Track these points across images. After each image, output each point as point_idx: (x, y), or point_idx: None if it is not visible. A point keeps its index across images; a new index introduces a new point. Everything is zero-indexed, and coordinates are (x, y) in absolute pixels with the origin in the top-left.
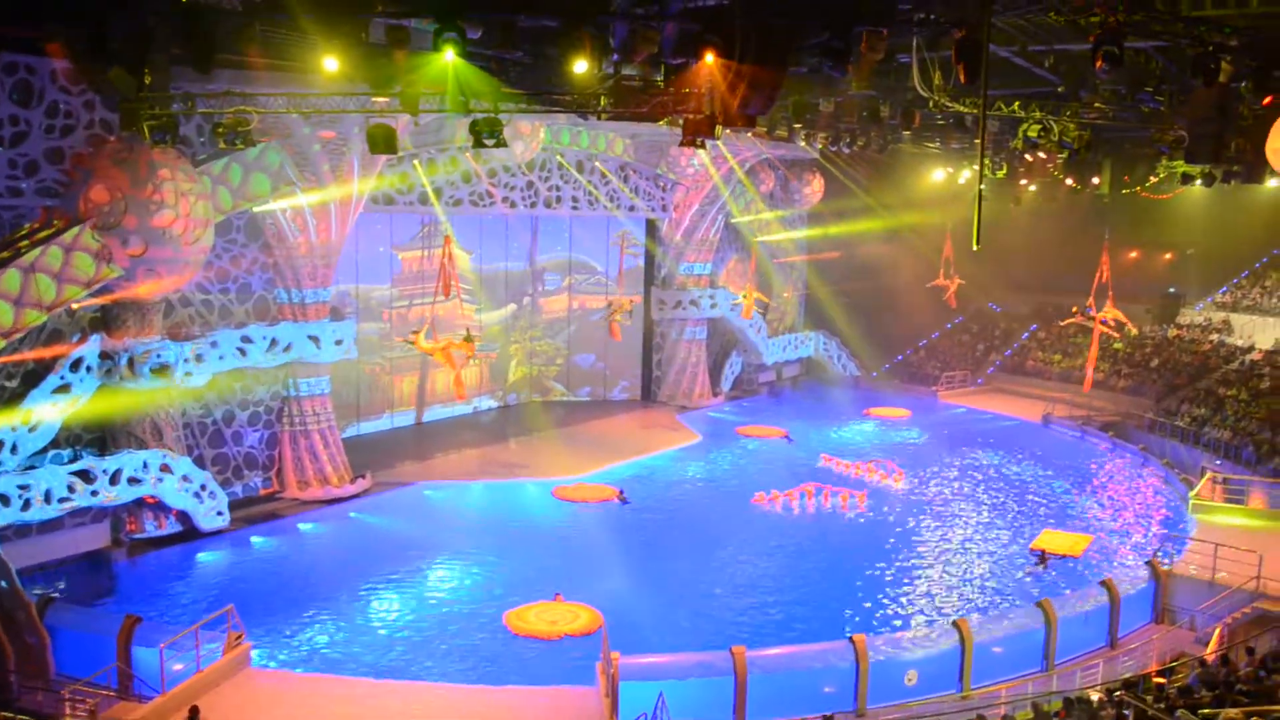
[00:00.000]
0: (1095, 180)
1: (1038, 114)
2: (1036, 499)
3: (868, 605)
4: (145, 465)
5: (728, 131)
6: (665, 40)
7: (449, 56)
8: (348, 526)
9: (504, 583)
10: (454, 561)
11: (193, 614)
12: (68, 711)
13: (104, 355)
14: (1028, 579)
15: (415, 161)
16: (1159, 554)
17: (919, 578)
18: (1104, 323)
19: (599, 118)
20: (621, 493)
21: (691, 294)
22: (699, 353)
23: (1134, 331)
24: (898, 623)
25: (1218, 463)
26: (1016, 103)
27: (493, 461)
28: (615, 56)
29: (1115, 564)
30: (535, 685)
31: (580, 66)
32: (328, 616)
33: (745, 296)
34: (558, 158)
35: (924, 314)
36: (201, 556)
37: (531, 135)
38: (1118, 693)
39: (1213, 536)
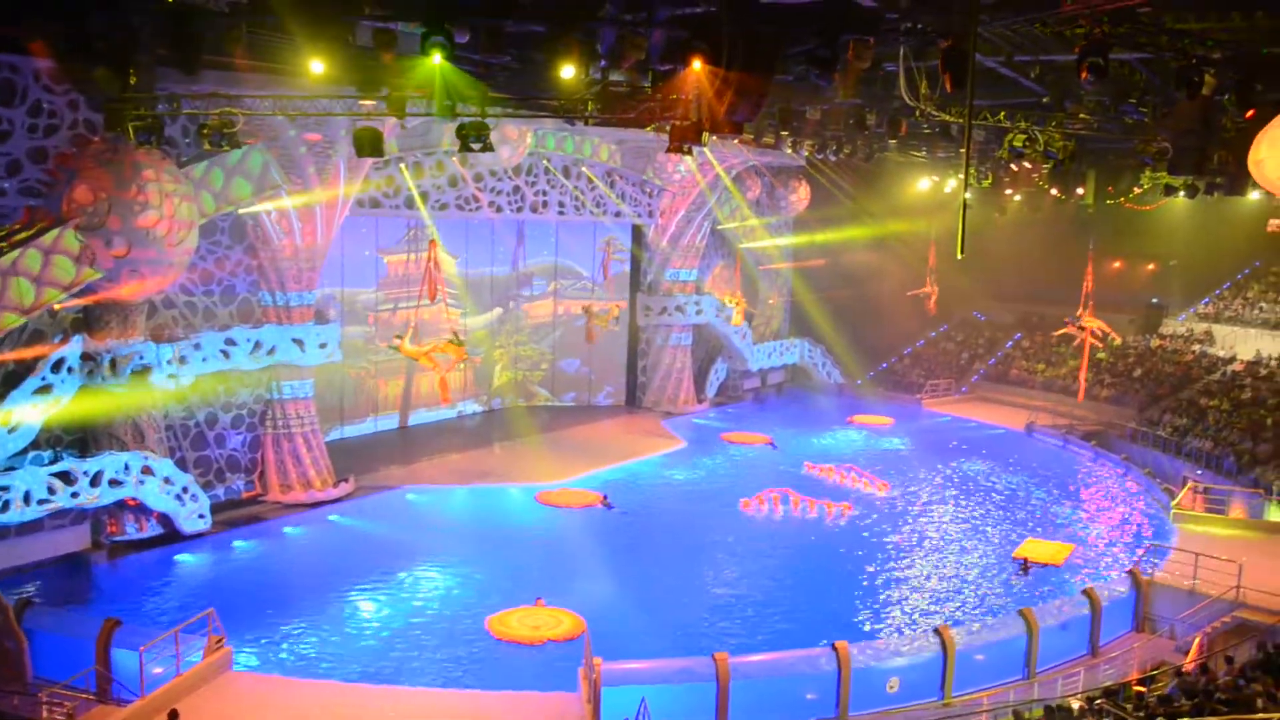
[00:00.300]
0: (1080, 190)
1: (1023, 124)
2: (1019, 507)
3: (850, 612)
4: (127, 467)
5: (714, 138)
6: (653, 46)
7: (436, 60)
8: (330, 530)
9: (487, 588)
10: (436, 566)
11: (173, 617)
12: (45, 715)
13: (86, 356)
14: (1011, 587)
15: (401, 165)
16: (1140, 563)
17: (902, 585)
18: (1092, 332)
19: (586, 123)
20: (605, 498)
21: (677, 300)
22: (684, 359)
23: (1117, 341)
24: (880, 630)
25: (1199, 473)
26: (1002, 113)
27: (476, 466)
28: (603, 62)
29: (1097, 573)
30: (517, 691)
31: (568, 72)
32: (310, 620)
33: (736, 304)
34: (544, 162)
35: (908, 322)
36: (183, 559)
37: (518, 140)
38: (1098, 701)
39: (1193, 546)
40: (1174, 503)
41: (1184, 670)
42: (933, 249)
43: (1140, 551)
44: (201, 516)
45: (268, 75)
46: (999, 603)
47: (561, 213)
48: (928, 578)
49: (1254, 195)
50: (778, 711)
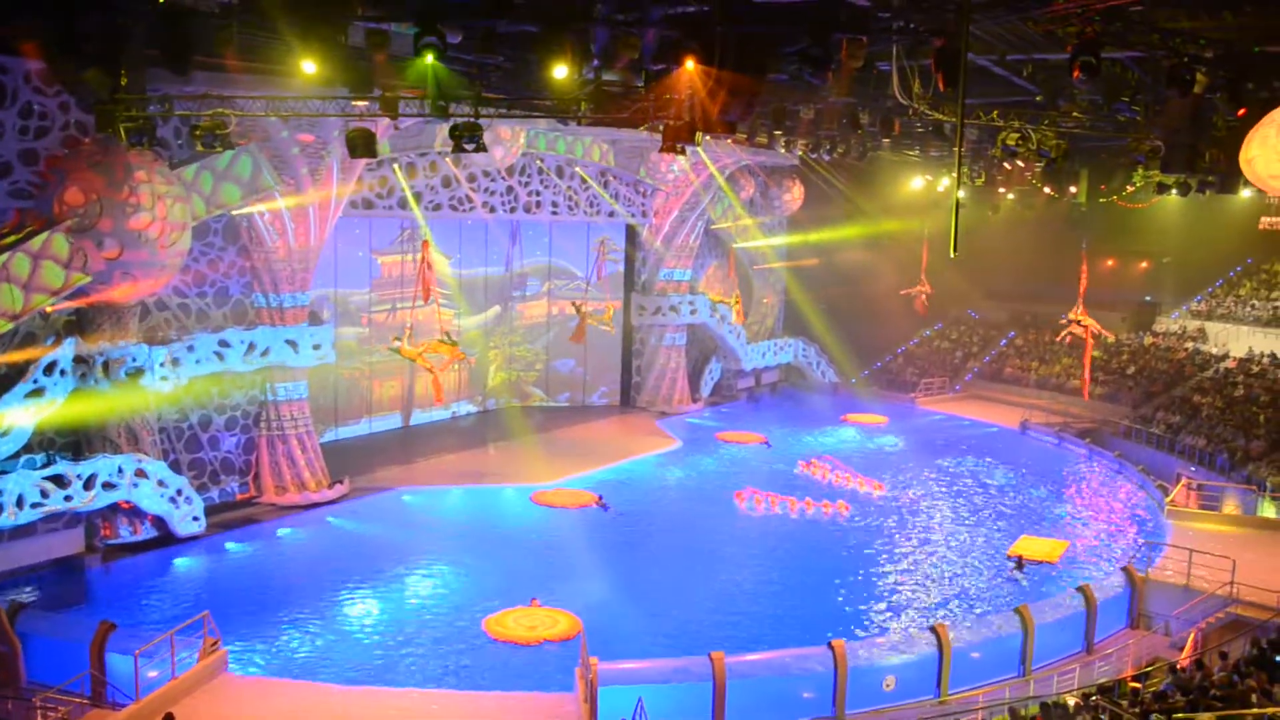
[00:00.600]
0: (1072, 189)
1: (1016, 123)
2: (1014, 505)
3: (846, 611)
4: (120, 470)
5: (708, 138)
6: (646, 46)
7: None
8: (325, 532)
9: (483, 588)
10: (432, 567)
11: (168, 620)
12: (39, 719)
13: (78, 359)
14: (1006, 585)
15: (395, 165)
16: (1134, 560)
17: (897, 583)
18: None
19: (579, 123)
20: (601, 498)
21: (671, 300)
22: (678, 358)
23: (1111, 339)
24: (876, 628)
25: (1192, 469)
26: (995, 111)
27: (472, 467)
28: (596, 62)
29: (1091, 570)
30: (514, 691)
31: (560, 72)
32: (305, 622)
33: (734, 303)
34: (538, 163)
35: (903, 321)
36: (177, 562)
37: (512, 140)
38: (1094, 698)
39: (1187, 542)
40: (1168, 499)
41: (1179, 666)
42: (926, 248)
43: (1135, 548)
44: (196, 519)
45: (260, 76)
46: (994, 600)
47: (555, 213)
48: (923, 576)
49: (1245, 193)
50: (774, 710)
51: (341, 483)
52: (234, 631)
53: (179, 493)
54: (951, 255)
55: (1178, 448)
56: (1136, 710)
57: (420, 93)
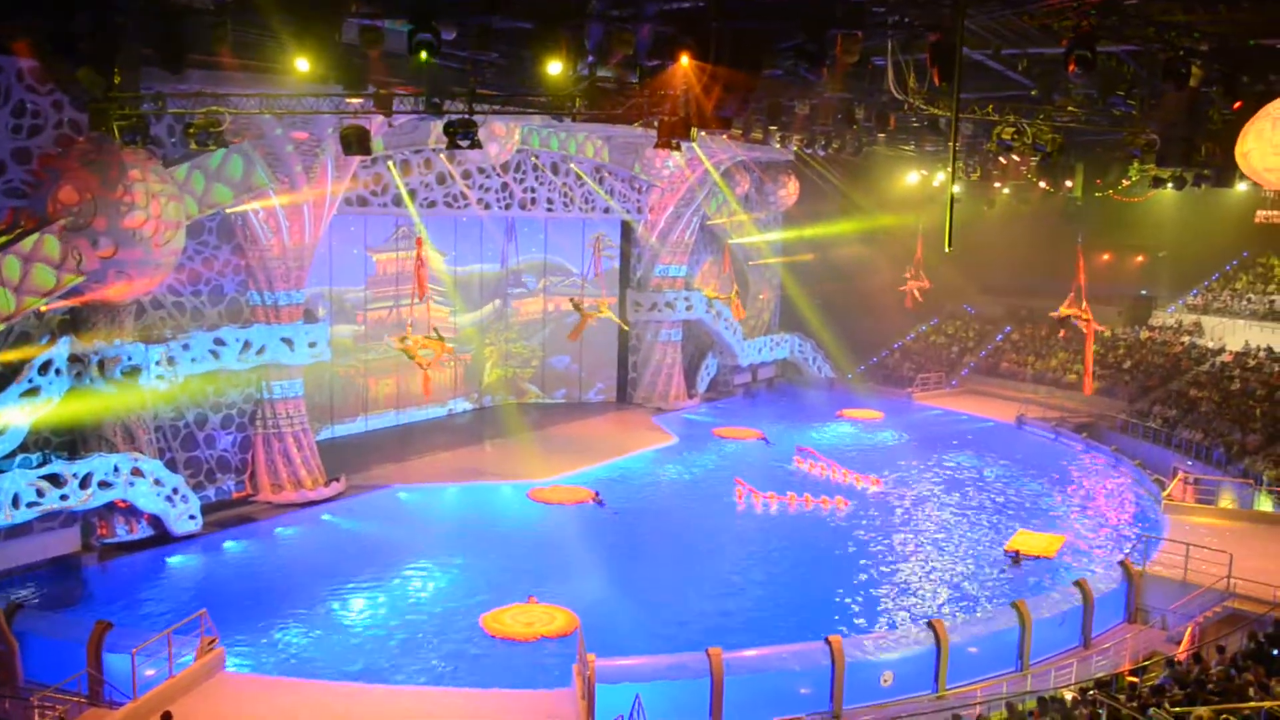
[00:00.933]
0: (1068, 183)
1: (1011, 117)
2: (1010, 500)
3: (843, 606)
4: (116, 469)
5: (703, 134)
6: (640, 42)
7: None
8: (322, 530)
9: (480, 586)
10: (429, 565)
11: (165, 619)
12: (36, 718)
13: (74, 358)
14: (1003, 580)
15: (389, 162)
16: (1131, 554)
17: (894, 579)
18: (1074, 323)
19: (574, 119)
20: (597, 494)
21: (667, 296)
22: (674, 354)
23: (1106, 333)
24: (874, 624)
25: (1189, 463)
26: (990, 106)
27: (468, 464)
28: (590, 58)
29: (1088, 564)
30: (511, 688)
31: (555, 68)
32: (302, 620)
33: (731, 299)
34: (533, 159)
35: (899, 316)
36: (174, 561)
37: (506, 137)
38: (1091, 692)
39: (1184, 536)
40: (1164, 494)
41: (1176, 660)
42: (920, 242)
43: (1132, 542)
44: (192, 517)
45: (254, 73)
46: (991, 595)
47: (550, 209)
48: (920, 571)
49: (1241, 187)
50: (772, 706)
51: (338, 480)
52: (231, 630)
53: (175, 491)
54: (946, 250)
55: (1174, 442)
56: (1134, 704)
57: (415, 90)
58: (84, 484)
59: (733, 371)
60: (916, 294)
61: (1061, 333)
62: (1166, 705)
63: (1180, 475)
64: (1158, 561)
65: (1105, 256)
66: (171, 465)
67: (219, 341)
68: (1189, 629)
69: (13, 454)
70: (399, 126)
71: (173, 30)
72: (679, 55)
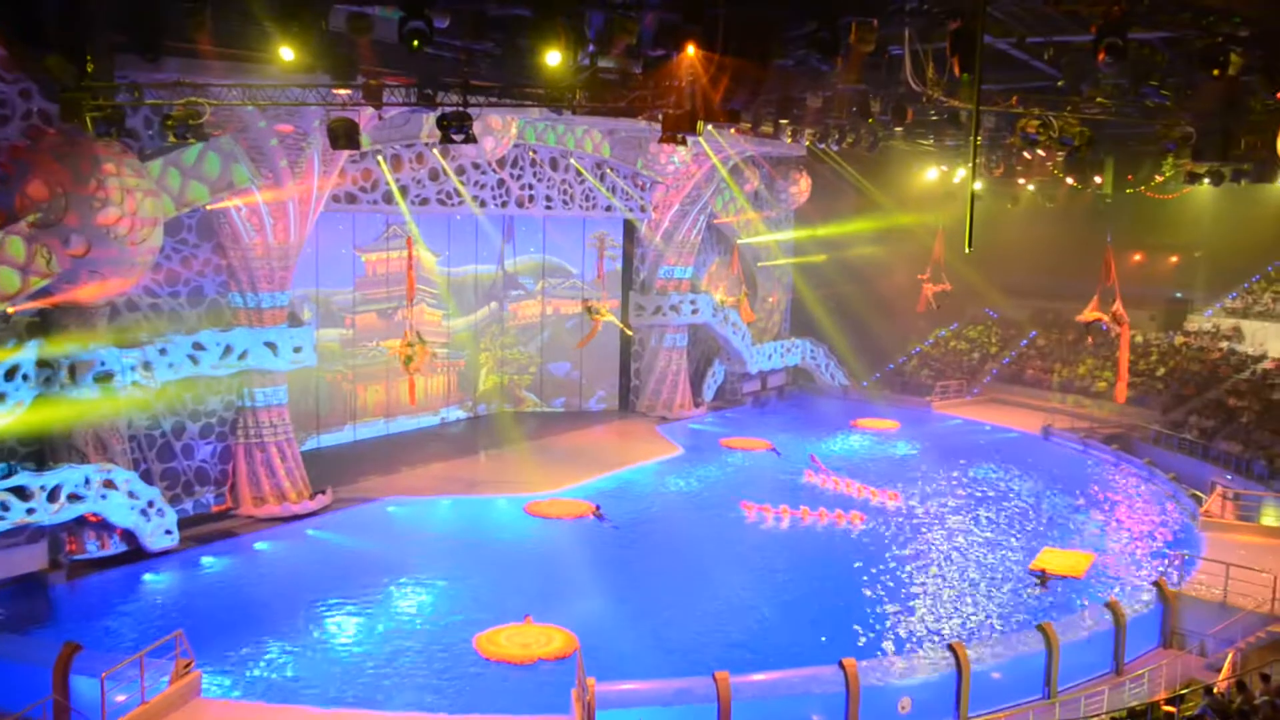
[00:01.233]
0: (1097, 179)
1: (1036, 109)
2: (1036, 516)
3: (858, 627)
4: (87, 481)
5: (710, 127)
6: (644, 31)
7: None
8: (306, 545)
9: (474, 604)
10: (420, 582)
11: (138, 641)
12: None
13: (42, 363)
14: (1029, 600)
15: (379, 157)
16: (1166, 574)
17: (912, 599)
18: (1104, 327)
19: (574, 112)
20: (598, 508)
21: (672, 299)
22: (679, 361)
23: (1138, 338)
24: (890, 647)
25: (1228, 477)
26: (1014, 97)
27: (461, 476)
28: (591, 48)
29: (1120, 585)
30: (506, 714)
31: (554, 58)
32: (285, 641)
33: (740, 300)
34: (530, 154)
35: (916, 320)
36: (148, 578)
37: (503, 130)
38: None
39: (1223, 556)
40: (1201, 509)
41: (1215, 689)
42: (939, 241)
43: (1166, 561)
44: (168, 532)
45: (236, 63)
46: (1016, 617)
47: (549, 207)
48: (940, 591)
49: None
50: None
51: (324, 493)
52: (208, 652)
53: (150, 504)
54: (967, 250)
55: (1212, 454)
56: None
57: (406, 80)
58: (52, 497)
59: (741, 379)
60: (931, 298)
61: (1089, 339)
62: None
63: (1218, 490)
64: (1195, 582)
65: (1137, 257)
66: (147, 477)
67: (198, 346)
68: (1229, 655)
69: None
70: (389, 119)
71: (148, 16)
72: (685, 44)
